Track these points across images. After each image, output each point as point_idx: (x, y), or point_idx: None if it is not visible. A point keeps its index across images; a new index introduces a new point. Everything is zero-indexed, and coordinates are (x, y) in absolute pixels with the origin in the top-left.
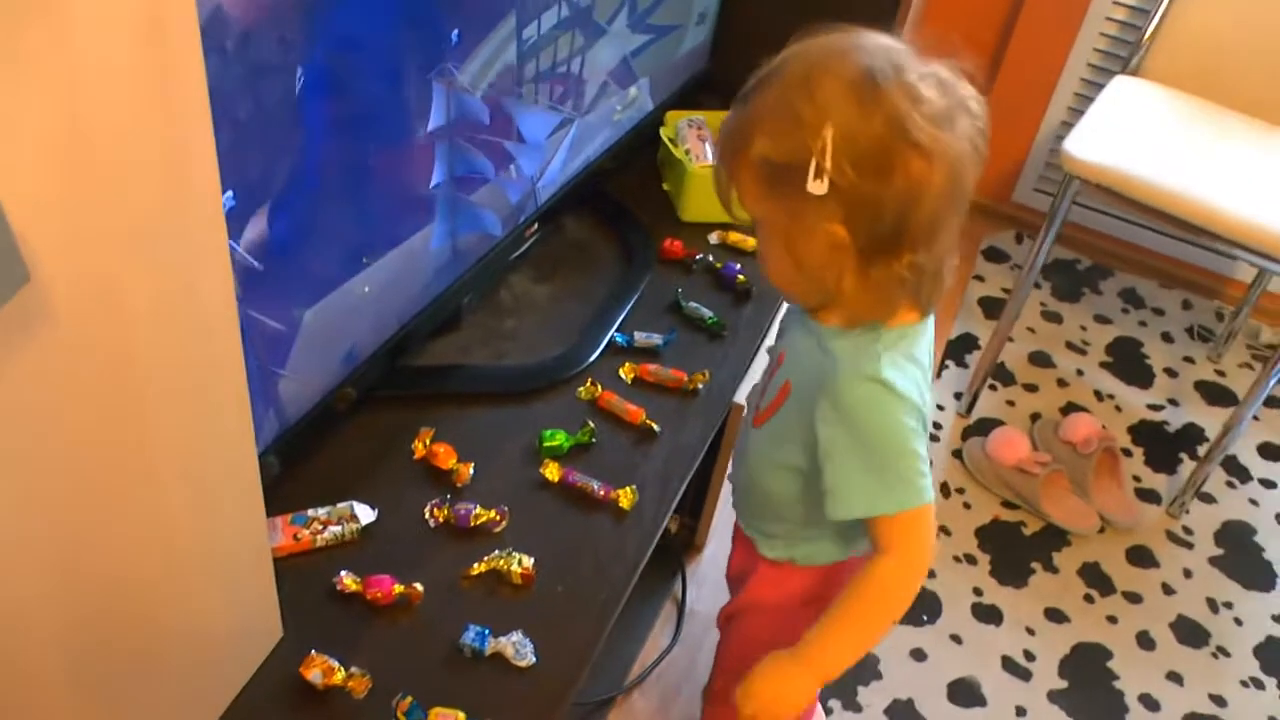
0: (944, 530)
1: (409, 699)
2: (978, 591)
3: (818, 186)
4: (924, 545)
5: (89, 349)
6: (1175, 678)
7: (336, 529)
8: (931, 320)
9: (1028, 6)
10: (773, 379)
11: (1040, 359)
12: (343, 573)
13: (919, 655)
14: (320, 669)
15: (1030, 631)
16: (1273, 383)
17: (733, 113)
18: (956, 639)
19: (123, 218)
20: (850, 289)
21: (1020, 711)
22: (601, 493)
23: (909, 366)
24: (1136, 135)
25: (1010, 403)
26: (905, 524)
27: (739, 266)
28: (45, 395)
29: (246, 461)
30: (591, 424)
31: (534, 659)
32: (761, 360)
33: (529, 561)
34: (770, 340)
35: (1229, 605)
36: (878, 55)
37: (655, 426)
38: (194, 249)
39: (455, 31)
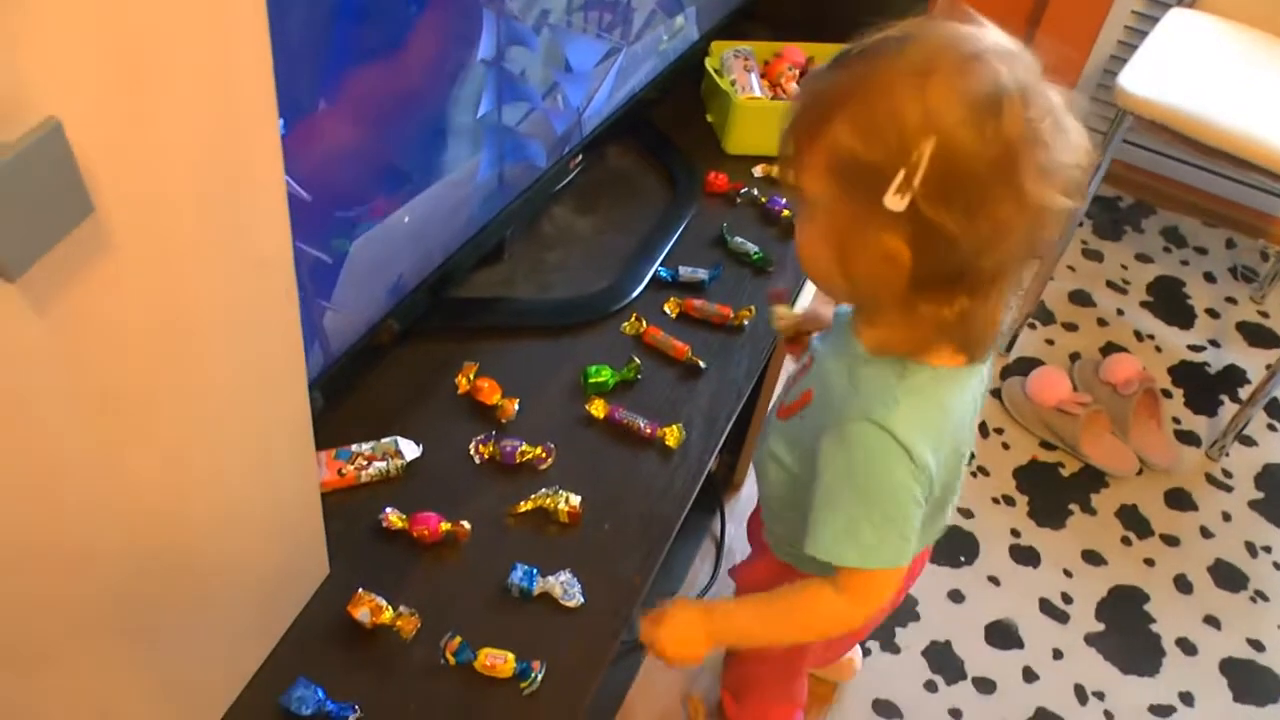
0: (982, 470)
1: (458, 639)
2: (1015, 533)
3: (896, 202)
4: (880, 600)
5: (145, 280)
6: (1213, 621)
7: (381, 465)
8: (985, 367)
9: None
10: (799, 381)
11: (1080, 298)
12: (388, 509)
13: (956, 597)
14: (368, 607)
15: (1068, 574)
16: None
17: (824, 74)
18: (994, 580)
19: (181, 145)
20: (889, 313)
21: (1057, 654)
22: (648, 430)
23: (933, 415)
24: (1193, 70)
25: (1049, 341)
26: (868, 579)
27: (784, 200)
28: (104, 330)
29: (298, 399)
30: (637, 360)
31: (582, 599)
32: (808, 293)
33: (576, 500)
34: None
35: (1268, 549)
36: (1006, 70)
37: (701, 363)
38: (251, 181)
39: None
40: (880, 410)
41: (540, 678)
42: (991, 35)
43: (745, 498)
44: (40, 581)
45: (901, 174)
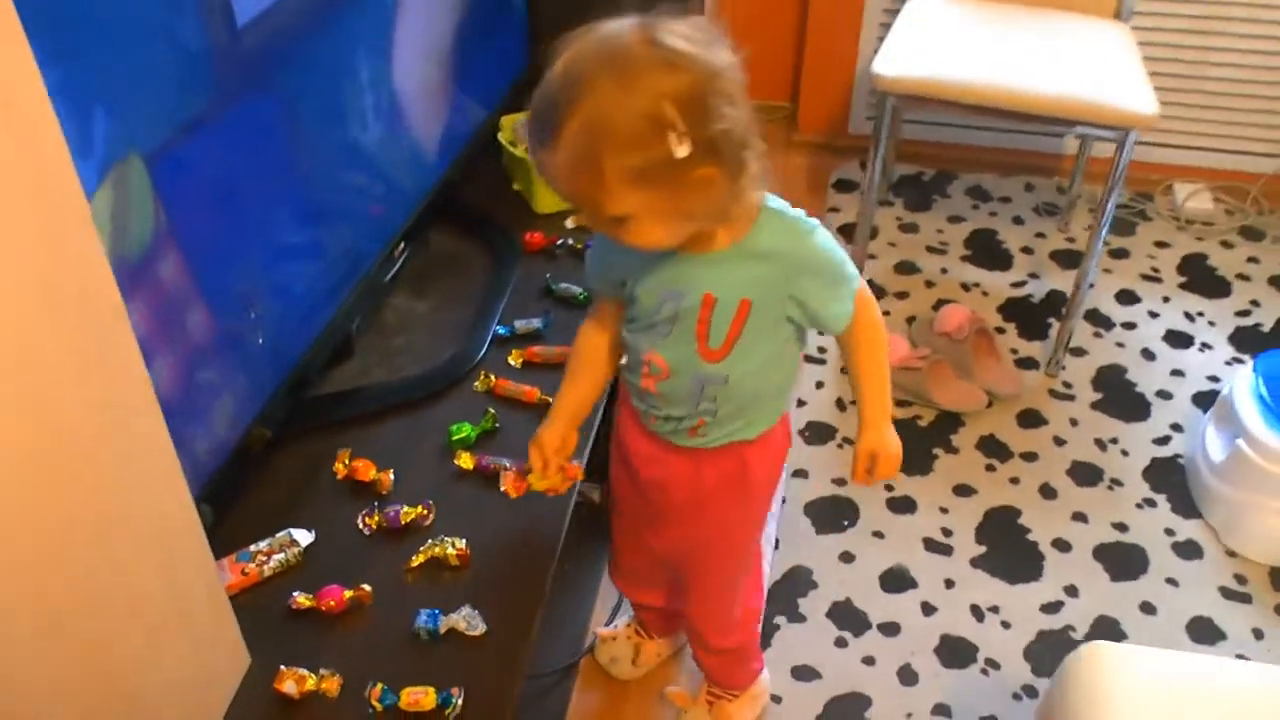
0: (848, 441)
1: (379, 686)
2: (889, 488)
3: (682, 150)
4: (873, 300)
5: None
6: (1080, 517)
7: (280, 556)
8: None
9: None
10: (711, 323)
11: (905, 267)
12: (295, 593)
13: (846, 558)
14: (292, 680)
15: (944, 510)
16: (1105, 231)
17: (559, 151)
18: (879, 534)
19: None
20: (731, 208)
21: (949, 584)
22: (515, 470)
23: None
24: (935, 45)
25: (886, 313)
26: (862, 297)
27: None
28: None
29: (189, 521)
30: (493, 410)
31: (485, 626)
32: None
33: (462, 543)
34: None
35: (1114, 441)
36: (641, 28)
37: (550, 400)
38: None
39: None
40: (802, 225)
41: (460, 702)
42: (609, 24)
43: None
44: None
45: (671, 135)
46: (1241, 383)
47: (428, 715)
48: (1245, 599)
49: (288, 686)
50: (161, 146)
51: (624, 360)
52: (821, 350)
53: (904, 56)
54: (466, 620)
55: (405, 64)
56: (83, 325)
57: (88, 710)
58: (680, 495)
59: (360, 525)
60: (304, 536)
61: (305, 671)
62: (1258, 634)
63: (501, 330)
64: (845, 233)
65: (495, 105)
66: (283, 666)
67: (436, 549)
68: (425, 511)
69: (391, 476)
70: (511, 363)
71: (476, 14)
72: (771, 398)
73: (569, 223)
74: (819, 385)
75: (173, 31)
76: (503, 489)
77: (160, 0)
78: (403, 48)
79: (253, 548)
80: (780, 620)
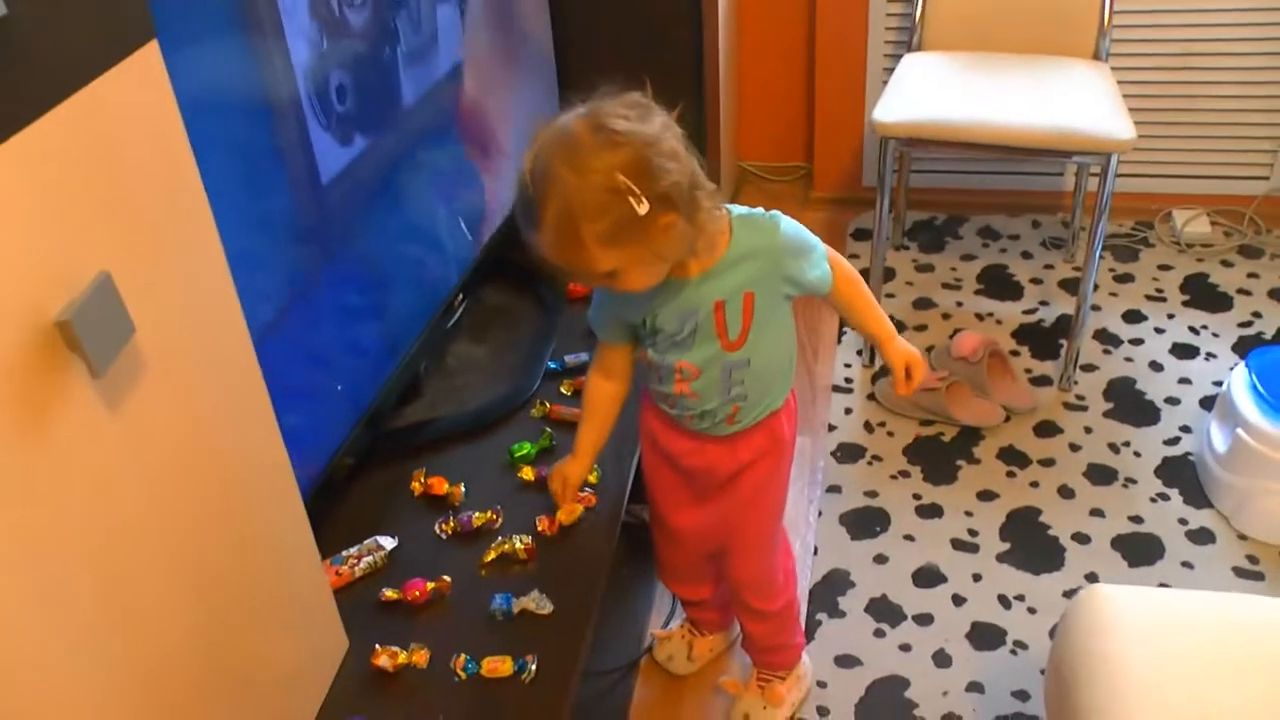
0: (876, 458)
1: (463, 656)
2: (917, 497)
3: (643, 208)
4: (839, 255)
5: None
6: (1097, 513)
7: (369, 559)
8: None
9: (820, 14)
10: (727, 321)
11: (922, 303)
12: (384, 589)
13: (881, 559)
14: (386, 655)
15: (969, 514)
16: (1096, 259)
17: (545, 233)
18: (909, 538)
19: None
20: (695, 242)
21: (976, 578)
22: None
23: None
24: (929, 92)
25: None
26: (831, 256)
27: None
28: (154, 432)
29: (298, 515)
30: (549, 430)
31: (552, 606)
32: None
33: (528, 539)
34: None
35: (1127, 444)
36: (585, 118)
37: None
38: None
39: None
40: (766, 223)
41: (534, 667)
42: (560, 118)
43: None
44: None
45: (630, 199)
46: (1237, 378)
47: (506, 680)
48: (1259, 577)
49: (382, 661)
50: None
51: (652, 376)
52: (848, 381)
53: (899, 104)
54: (536, 601)
55: (462, 149)
56: (243, 403)
57: (227, 687)
58: (722, 472)
59: (437, 530)
60: (388, 542)
61: (397, 649)
62: None
63: (553, 365)
64: (863, 276)
65: None
66: (377, 646)
67: (506, 545)
68: (494, 516)
69: (462, 489)
70: (564, 391)
71: (518, 82)
72: (787, 367)
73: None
74: (848, 411)
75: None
76: (539, 529)
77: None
78: (463, 136)
79: (344, 553)
80: (822, 617)
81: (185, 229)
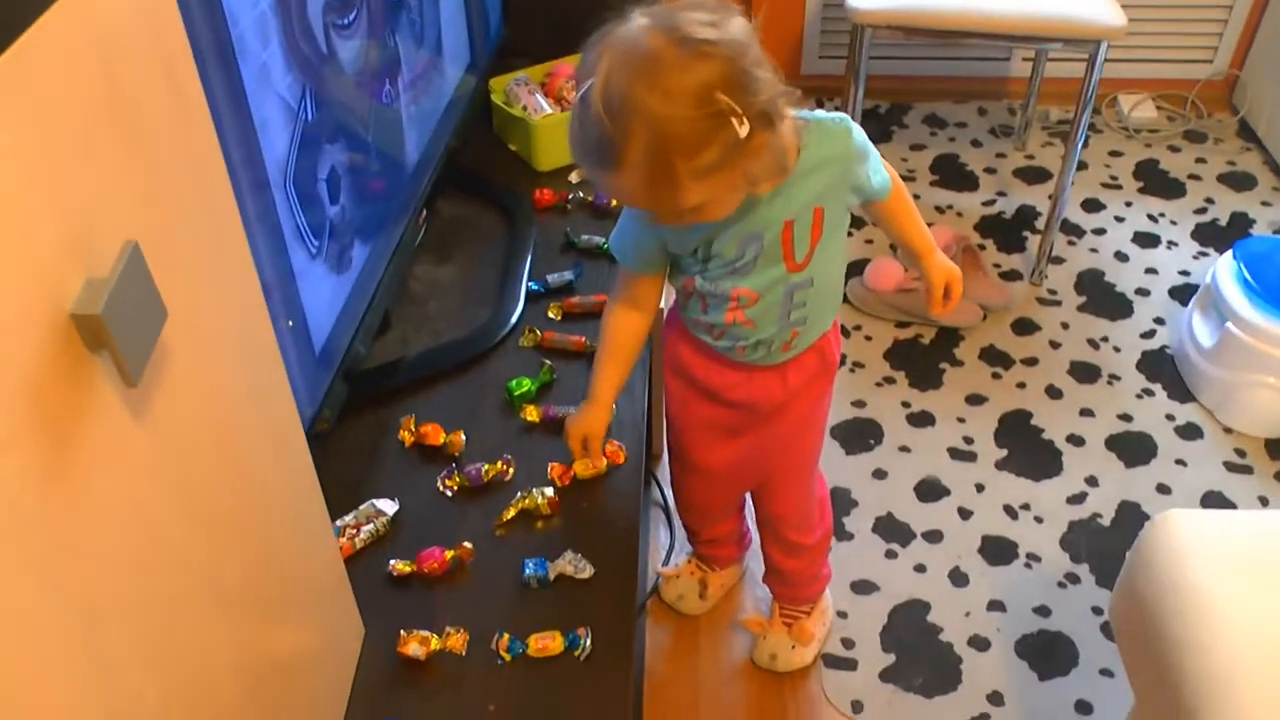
0: (859, 365)
1: (506, 636)
2: (906, 405)
3: (744, 129)
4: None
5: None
6: (1087, 412)
7: (369, 527)
8: None
9: None
10: (794, 241)
11: None
12: (391, 561)
13: (880, 474)
14: (416, 641)
15: (961, 420)
16: (1077, 152)
17: (626, 174)
18: (905, 449)
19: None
20: (788, 152)
21: (979, 487)
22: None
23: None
24: None
25: (869, 241)
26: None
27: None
28: (186, 434)
29: (307, 472)
30: (548, 362)
31: (592, 569)
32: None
33: (550, 491)
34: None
35: (1105, 339)
36: (659, 29)
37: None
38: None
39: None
40: (839, 127)
41: (589, 642)
42: (631, 24)
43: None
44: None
45: (733, 120)
46: (1224, 270)
47: (558, 659)
48: (1248, 470)
49: (412, 649)
50: None
51: (692, 305)
52: None
53: None
54: (573, 564)
55: (408, 40)
56: (268, 390)
57: (259, 696)
58: (769, 403)
59: (441, 487)
60: (389, 506)
61: (427, 633)
62: (1264, 501)
63: (535, 285)
64: None
65: (483, 70)
66: (401, 631)
67: (526, 500)
68: (505, 466)
69: (463, 437)
70: (552, 316)
71: None
72: (840, 282)
73: (573, 176)
74: None
75: None
76: (550, 478)
77: None
78: (404, 26)
79: (339, 522)
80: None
81: (202, 174)
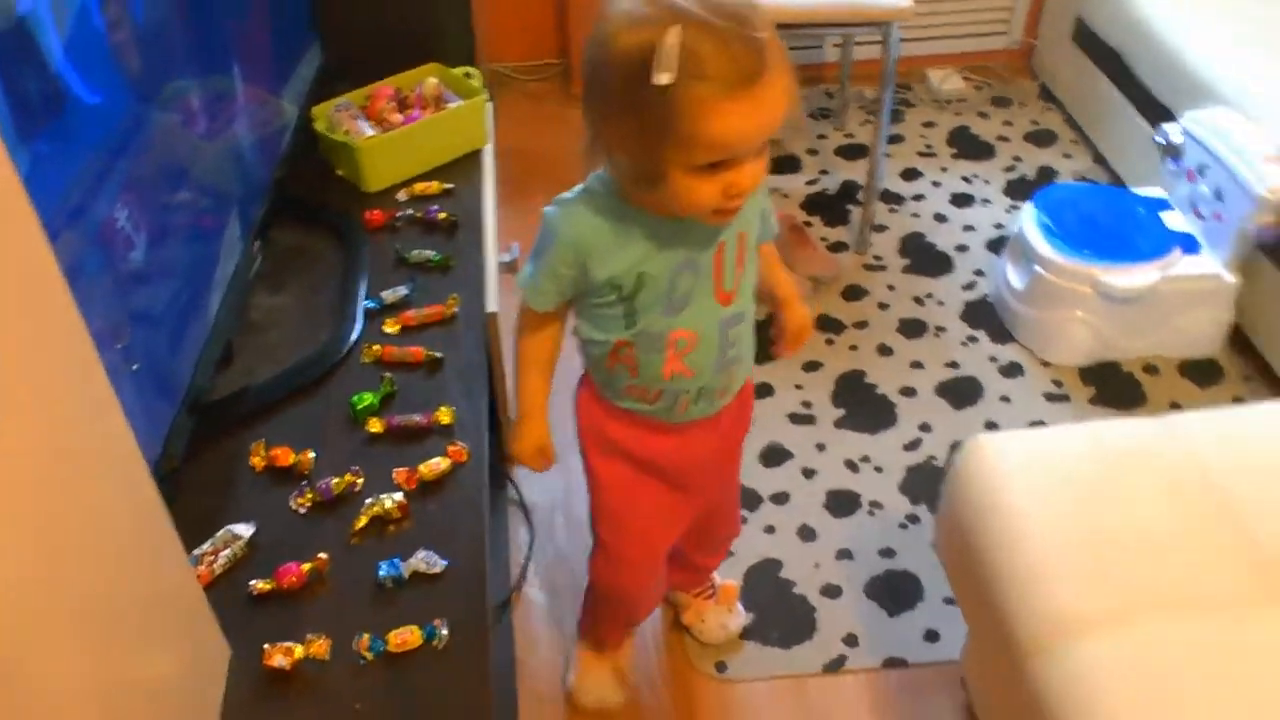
0: None
1: (366, 636)
2: None
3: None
4: None
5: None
6: (917, 365)
7: (227, 553)
8: None
9: None
10: (722, 272)
11: None
12: (251, 581)
13: None
14: (280, 653)
15: (799, 387)
16: (886, 126)
17: (773, 80)
18: None
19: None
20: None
21: (820, 447)
22: (424, 421)
23: None
24: None
25: None
26: None
27: (435, 207)
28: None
29: (155, 507)
30: (388, 375)
31: (444, 562)
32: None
33: (399, 496)
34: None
35: (930, 295)
36: None
37: (438, 354)
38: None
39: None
40: None
41: (446, 631)
42: None
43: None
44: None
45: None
46: (1028, 219)
47: (418, 651)
48: (1065, 399)
49: (277, 661)
50: None
51: (621, 374)
52: None
53: None
54: (425, 561)
55: (223, 71)
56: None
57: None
58: (711, 455)
59: (294, 506)
60: (244, 529)
61: (290, 644)
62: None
63: (370, 304)
64: None
65: (303, 99)
66: (266, 645)
67: (376, 507)
68: (353, 478)
69: (311, 455)
70: (389, 331)
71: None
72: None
73: (401, 195)
74: None
75: None
76: (397, 483)
77: None
78: (218, 55)
79: (196, 551)
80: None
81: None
